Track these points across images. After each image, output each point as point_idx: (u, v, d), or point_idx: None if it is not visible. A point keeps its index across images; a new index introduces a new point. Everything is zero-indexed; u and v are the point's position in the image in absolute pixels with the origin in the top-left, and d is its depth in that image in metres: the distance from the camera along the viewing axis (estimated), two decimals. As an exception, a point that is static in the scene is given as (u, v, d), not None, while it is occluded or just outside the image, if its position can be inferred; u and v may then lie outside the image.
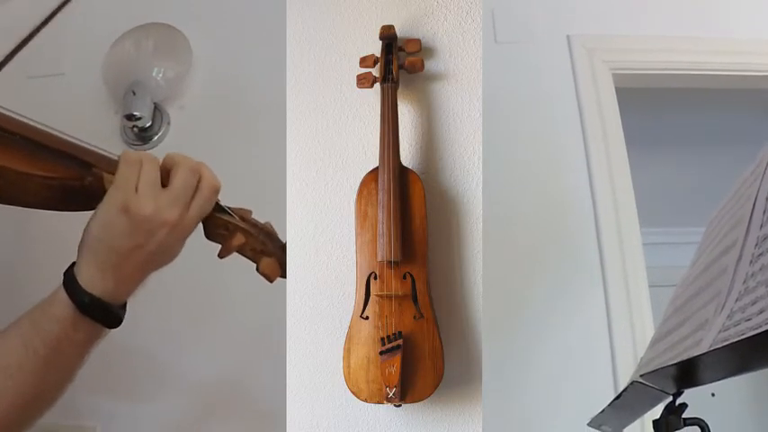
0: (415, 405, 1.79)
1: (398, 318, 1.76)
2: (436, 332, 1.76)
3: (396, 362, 1.72)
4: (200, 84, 2.77)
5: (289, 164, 1.92)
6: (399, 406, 1.79)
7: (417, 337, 1.75)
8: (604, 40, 2.93)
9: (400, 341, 1.74)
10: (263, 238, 1.54)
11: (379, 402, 1.76)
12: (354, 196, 1.84)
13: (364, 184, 1.83)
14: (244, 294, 2.47)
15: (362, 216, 1.82)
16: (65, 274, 1.37)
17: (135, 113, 2.65)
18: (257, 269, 1.55)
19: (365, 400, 1.77)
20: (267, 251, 1.54)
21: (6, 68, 1.49)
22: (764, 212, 1.05)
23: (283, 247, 1.58)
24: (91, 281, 1.34)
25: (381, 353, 1.74)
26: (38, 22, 1.63)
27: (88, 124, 2.47)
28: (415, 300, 1.77)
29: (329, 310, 1.89)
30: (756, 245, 1.02)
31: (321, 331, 1.90)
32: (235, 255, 1.55)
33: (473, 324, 1.83)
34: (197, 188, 1.41)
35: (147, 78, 2.71)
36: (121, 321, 1.41)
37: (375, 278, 1.79)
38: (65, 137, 1.42)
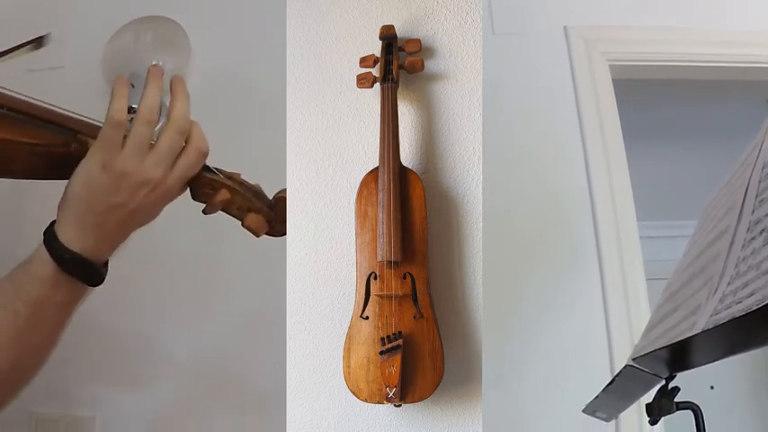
0: (415, 405, 1.80)
1: (398, 318, 1.76)
2: (436, 332, 1.77)
3: (396, 362, 1.73)
4: (199, 81, 2.76)
5: (289, 164, 1.92)
6: (399, 406, 1.80)
7: (417, 337, 1.76)
8: (602, 31, 2.93)
9: (400, 341, 1.74)
10: (249, 196, 1.54)
11: (379, 402, 1.77)
12: (354, 196, 1.84)
13: (364, 183, 1.84)
14: (242, 279, 2.49)
15: (362, 216, 1.83)
16: (45, 232, 1.36)
17: (133, 106, 2.64)
18: (242, 224, 1.55)
19: (365, 400, 1.78)
20: (254, 208, 1.54)
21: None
22: (756, 197, 1.07)
23: (271, 204, 1.57)
24: (71, 238, 1.34)
25: (381, 353, 1.75)
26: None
27: (87, 116, 2.47)
28: (415, 300, 1.77)
29: (329, 310, 1.90)
30: (748, 229, 1.03)
31: (321, 331, 1.90)
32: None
33: (473, 324, 1.84)
34: (183, 149, 1.41)
35: (146, 71, 2.70)
36: (103, 280, 1.39)
37: (375, 278, 1.79)
38: (48, 106, 1.43)
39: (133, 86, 2.69)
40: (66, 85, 2.76)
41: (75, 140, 1.39)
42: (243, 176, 1.57)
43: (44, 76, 2.74)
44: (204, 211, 1.52)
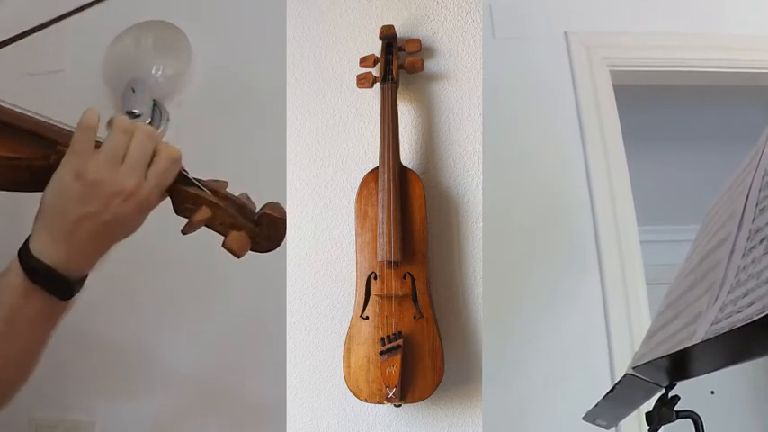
0: (415, 405, 1.79)
1: (398, 318, 1.76)
2: (436, 332, 1.77)
3: (396, 362, 1.73)
4: (200, 81, 2.77)
5: (289, 164, 1.92)
6: (399, 406, 1.80)
7: (417, 337, 1.76)
8: (602, 36, 2.93)
9: (400, 341, 1.74)
10: (232, 212, 1.46)
11: (379, 402, 1.76)
12: (354, 196, 1.84)
13: (364, 183, 1.84)
14: (240, 287, 2.48)
15: (362, 216, 1.82)
16: (24, 242, 1.33)
17: (134, 110, 2.65)
18: (223, 244, 1.47)
19: (365, 400, 1.77)
20: (237, 225, 1.46)
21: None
22: (757, 205, 1.06)
23: (256, 220, 1.49)
24: (42, 248, 1.30)
25: (381, 353, 1.75)
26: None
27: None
28: (415, 300, 1.77)
29: (329, 310, 1.90)
30: (748, 238, 1.03)
31: (321, 331, 1.90)
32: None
33: (473, 324, 1.84)
34: (154, 156, 1.35)
35: (147, 75, 2.70)
36: (73, 294, 1.34)
37: (375, 278, 1.79)
38: (27, 113, 1.37)
39: (133, 91, 2.71)
40: (66, 89, 2.76)
41: (54, 152, 1.34)
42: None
43: (44, 80, 2.75)
44: (183, 231, 1.45)
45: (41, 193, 1.38)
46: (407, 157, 1.88)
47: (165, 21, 2.75)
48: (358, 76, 1.89)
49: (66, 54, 2.82)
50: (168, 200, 1.41)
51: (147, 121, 2.70)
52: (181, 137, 2.71)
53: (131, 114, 2.65)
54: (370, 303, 1.79)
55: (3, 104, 1.36)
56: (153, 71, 2.72)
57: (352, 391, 1.78)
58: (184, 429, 2.52)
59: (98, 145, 1.33)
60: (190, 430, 2.51)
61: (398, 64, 1.87)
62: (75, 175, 1.29)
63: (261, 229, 1.49)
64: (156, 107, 2.75)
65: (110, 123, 1.36)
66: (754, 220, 1.04)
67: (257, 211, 1.51)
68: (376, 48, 1.90)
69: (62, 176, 1.30)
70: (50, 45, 2.71)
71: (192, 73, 2.75)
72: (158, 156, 1.35)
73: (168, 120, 2.77)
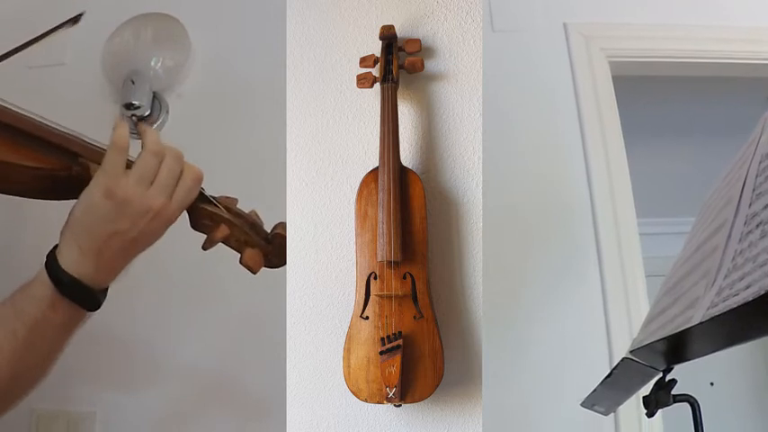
0: (415, 405, 1.80)
1: (398, 318, 1.76)
2: (436, 332, 1.77)
3: (396, 362, 1.73)
4: (199, 75, 2.77)
5: (289, 163, 1.92)
6: (399, 406, 1.80)
7: (417, 337, 1.76)
8: (602, 28, 2.93)
9: (400, 341, 1.74)
10: (247, 229, 1.55)
11: (379, 402, 1.76)
12: (354, 196, 1.84)
13: (364, 183, 1.83)
14: (240, 283, 2.47)
15: (362, 216, 1.82)
16: (48, 254, 1.38)
17: (134, 102, 2.65)
18: (240, 260, 1.56)
19: (365, 400, 1.77)
20: (251, 242, 1.55)
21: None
22: (753, 191, 1.07)
23: (268, 237, 1.58)
24: (71, 262, 1.35)
25: (381, 353, 1.74)
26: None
27: (87, 113, 2.46)
28: (415, 300, 1.77)
29: (329, 310, 1.90)
30: (745, 223, 1.04)
31: (321, 331, 1.90)
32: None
33: (473, 324, 1.84)
34: (180, 176, 1.42)
35: (146, 68, 2.71)
36: (100, 305, 1.41)
37: (375, 278, 1.79)
38: (52, 126, 1.44)
39: (133, 83, 2.71)
40: (66, 83, 2.77)
41: (76, 164, 1.40)
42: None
43: (44, 73, 2.75)
44: (204, 247, 1.55)
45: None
46: (407, 157, 1.87)
47: (165, 13, 2.75)
48: (358, 76, 1.88)
49: (66, 47, 2.82)
50: None
51: (147, 113, 2.70)
52: (181, 129, 2.71)
53: (131, 106, 2.66)
54: (370, 303, 1.79)
55: (27, 115, 1.40)
56: (152, 63, 2.73)
57: (352, 391, 1.78)
58: (184, 426, 2.53)
59: (128, 164, 1.38)
60: (189, 428, 2.52)
61: (398, 64, 1.87)
62: (106, 193, 1.34)
63: (273, 247, 1.59)
64: (156, 99, 2.76)
65: (141, 133, 1.41)
66: (750, 204, 1.06)
67: (269, 230, 1.60)
68: (376, 48, 1.89)
69: (93, 194, 1.35)
70: (50, 38, 2.71)
71: (191, 66, 2.76)
72: (183, 175, 1.42)
73: (168, 111, 2.77)
